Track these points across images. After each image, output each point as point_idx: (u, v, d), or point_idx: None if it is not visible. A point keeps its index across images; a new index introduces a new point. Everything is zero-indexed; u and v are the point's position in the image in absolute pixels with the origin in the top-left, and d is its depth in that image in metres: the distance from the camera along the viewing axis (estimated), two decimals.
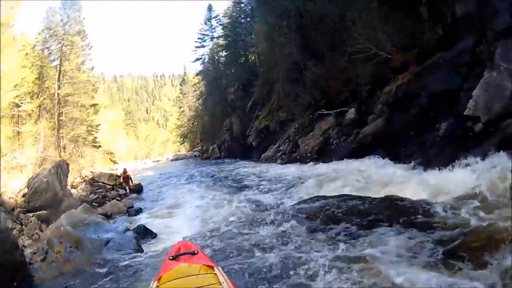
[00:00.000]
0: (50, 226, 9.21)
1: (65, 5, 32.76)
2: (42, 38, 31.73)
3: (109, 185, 20.62)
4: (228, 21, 44.34)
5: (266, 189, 14.19)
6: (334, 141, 17.84)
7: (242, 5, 43.00)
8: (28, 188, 12.95)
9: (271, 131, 28.89)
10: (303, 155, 19.80)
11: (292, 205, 8.88)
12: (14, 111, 23.74)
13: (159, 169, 37.61)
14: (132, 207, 15.03)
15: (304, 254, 5.36)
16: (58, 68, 31.17)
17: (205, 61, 48.95)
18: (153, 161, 59.54)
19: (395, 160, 11.81)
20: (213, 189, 16.60)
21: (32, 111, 26.56)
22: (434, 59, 12.63)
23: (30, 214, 11.80)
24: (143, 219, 12.30)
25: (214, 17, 46.82)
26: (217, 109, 43.77)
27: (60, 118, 30.79)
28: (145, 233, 9.74)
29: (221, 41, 45.69)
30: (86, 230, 8.10)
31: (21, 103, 24.22)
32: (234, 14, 43.47)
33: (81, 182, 20.54)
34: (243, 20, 42.87)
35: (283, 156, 22.84)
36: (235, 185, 17.24)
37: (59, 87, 30.61)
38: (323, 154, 18.04)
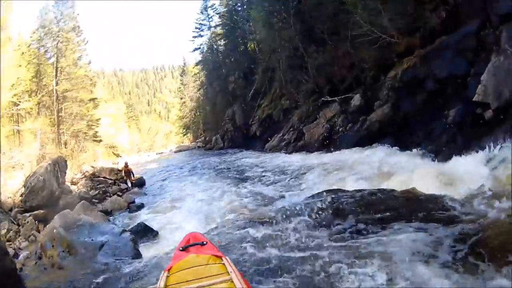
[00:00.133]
0: (46, 227, 8.75)
1: (58, 3, 32.82)
2: (37, 37, 31.92)
3: (111, 179, 20.52)
4: (225, 9, 43.71)
5: (271, 181, 13.96)
6: (340, 129, 17.51)
7: None
8: (25, 187, 12.66)
9: (274, 119, 28.41)
10: (308, 143, 19.55)
11: (301, 200, 8.44)
12: (12, 110, 23.67)
13: (162, 161, 37.45)
14: (133, 202, 14.89)
15: (311, 250, 5.17)
16: (55, 65, 31.26)
17: (204, 50, 48.55)
18: (156, 153, 59.22)
19: (404, 148, 11.51)
20: (216, 181, 16.38)
21: (31, 109, 26.50)
22: (438, 42, 12.18)
23: (27, 214, 11.57)
24: (144, 215, 12.21)
25: (210, 6, 46.05)
26: (218, 99, 43.33)
27: (60, 114, 30.79)
28: (145, 232, 9.46)
29: (219, 30, 45.20)
30: (80, 232, 7.58)
31: (19, 101, 24.14)
32: (230, 2, 42.74)
33: (82, 178, 20.39)
34: (239, 8, 42.10)
35: (287, 145, 22.57)
36: (239, 176, 17.05)
37: (57, 84, 30.59)
38: (329, 142, 17.69)
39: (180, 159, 35.91)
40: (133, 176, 19.65)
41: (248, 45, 40.47)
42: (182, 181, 19.09)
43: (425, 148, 10.42)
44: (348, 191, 7.71)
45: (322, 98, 20.18)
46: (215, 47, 45.61)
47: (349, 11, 16.21)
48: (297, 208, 7.30)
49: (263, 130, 30.25)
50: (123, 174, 19.88)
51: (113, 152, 42.46)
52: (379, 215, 5.90)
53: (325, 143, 17.99)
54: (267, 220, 7.00)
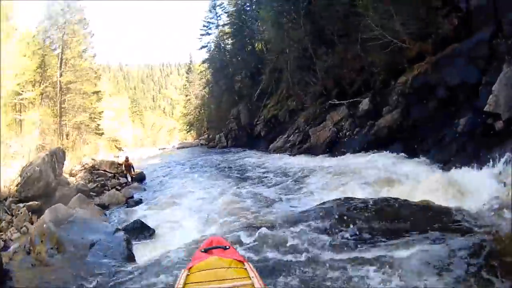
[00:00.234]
0: (38, 219, 8.40)
1: None
2: (43, 28, 31.49)
3: (110, 173, 20.35)
4: (234, 8, 43.44)
5: (274, 183, 13.80)
6: (347, 133, 17.35)
7: None
8: (21, 177, 12.38)
9: (280, 120, 28.14)
10: (314, 146, 19.37)
11: (308, 206, 8.34)
12: (15, 99, 23.65)
13: (164, 157, 37.45)
14: (132, 197, 14.67)
15: (316, 256, 5.09)
16: (59, 56, 30.99)
17: (211, 49, 48.20)
18: (159, 149, 58.76)
19: (412, 155, 11.33)
20: (218, 180, 16.24)
21: (34, 99, 26.45)
22: (450, 49, 12.01)
23: (21, 205, 11.26)
24: (142, 211, 11.96)
25: (219, 5, 45.75)
26: (224, 98, 43.24)
27: (63, 105, 30.61)
28: (141, 230, 9.12)
29: (227, 29, 44.88)
30: (70, 228, 7.08)
31: (22, 91, 24.02)
32: (239, 1, 42.46)
33: (81, 170, 20.18)
34: (248, 8, 41.83)
35: (292, 147, 22.37)
36: (241, 176, 16.93)
37: (61, 75, 30.34)
38: (335, 146, 17.61)
39: (182, 156, 35.78)
40: (134, 170, 19.44)
41: (256, 45, 40.25)
42: (183, 178, 18.94)
43: (434, 156, 10.26)
44: (358, 198, 7.48)
45: (330, 101, 19.94)
46: (223, 45, 45.38)
47: (360, 14, 16.03)
48: (303, 214, 7.17)
49: (268, 130, 30.01)
50: (123, 168, 19.69)
51: (115, 146, 42.38)
52: (390, 225, 5.77)
53: (331, 146, 17.88)
54: (268, 224, 6.82)
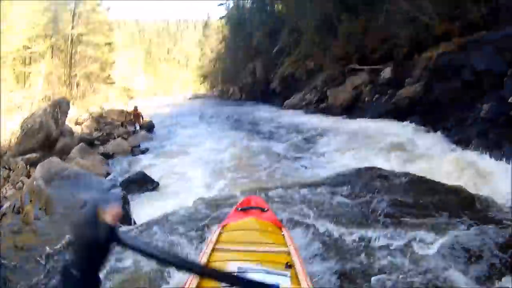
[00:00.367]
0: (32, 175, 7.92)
1: None
2: None
3: (118, 122, 20.32)
4: None
5: (286, 139, 13.83)
6: (366, 98, 17.01)
7: None
8: (21, 129, 12.02)
9: (296, 78, 27.56)
10: (331, 107, 19.29)
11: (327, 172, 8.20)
12: (24, 53, 23.48)
13: (176, 106, 37.66)
14: (138, 146, 14.47)
15: (334, 229, 4.77)
16: (73, 11, 30.67)
17: (230, 7, 47.70)
18: (172, 99, 58.83)
19: (432, 130, 10.99)
20: (229, 132, 16.53)
21: (44, 52, 26.30)
22: (478, 35, 11.81)
23: (19, 158, 10.88)
24: (147, 161, 11.74)
25: None
26: (240, 53, 42.84)
27: (73, 57, 30.38)
28: (144, 182, 8.71)
29: None
30: (62, 185, 6.32)
31: (32, 45, 23.85)
32: None
33: (87, 119, 19.93)
34: None
35: (308, 105, 22.39)
36: (253, 129, 17.02)
37: (72, 28, 30.05)
38: (353, 109, 17.45)
39: (194, 106, 36.28)
40: (142, 119, 19.49)
41: (276, 6, 38.85)
42: (192, 128, 19.13)
43: (454, 135, 9.95)
44: (385, 170, 7.24)
45: (350, 65, 19.66)
46: (242, 4, 44.69)
47: None
48: (325, 179, 7.01)
49: (283, 87, 29.73)
50: (132, 117, 19.76)
51: (127, 95, 42.32)
52: (418, 204, 5.50)
53: (348, 109, 17.74)
54: (278, 185, 6.77)
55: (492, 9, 12.13)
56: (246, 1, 44.28)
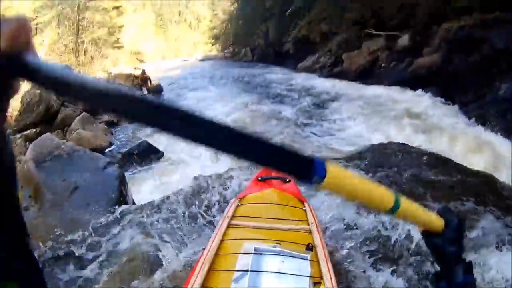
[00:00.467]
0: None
1: None
2: None
3: (126, 86, 19.73)
4: None
5: (298, 103, 13.76)
6: (383, 65, 16.81)
7: None
8: (21, 103, 11.81)
9: (310, 41, 27.09)
10: (345, 71, 19.03)
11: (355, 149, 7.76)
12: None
13: (186, 68, 36.70)
14: None
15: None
16: None
17: None
18: (182, 61, 58.06)
19: (450, 103, 11.00)
20: (239, 95, 16.37)
21: (50, 21, 25.78)
22: (500, 14, 11.49)
23: (18, 135, 10.69)
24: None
25: None
26: (252, 14, 41.77)
27: (81, 23, 29.96)
28: (148, 152, 8.74)
29: None
30: (53, 167, 5.65)
31: (37, 16, 23.61)
32: None
33: None
34: None
35: (322, 68, 22.07)
36: (264, 92, 16.91)
37: None
38: (368, 75, 17.17)
39: (204, 68, 35.43)
40: (150, 83, 19.51)
41: None
42: (202, 91, 19.06)
43: (472, 111, 9.87)
44: (411, 146, 6.94)
45: (366, 30, 19.28)
46: None
47: None
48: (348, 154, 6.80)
49: (297, 49, 29.20)
50: (139, 81, 19.74)
51: (136, 58, 42.09)
52: (446, 187, 5.23)
53: (364, 74, 17.44)
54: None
55: None
56: None
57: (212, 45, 68.30)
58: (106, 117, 13.14)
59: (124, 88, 0.54)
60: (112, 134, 11.60)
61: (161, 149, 9.01)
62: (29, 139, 10.22)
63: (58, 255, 4.03)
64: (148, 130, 11.17)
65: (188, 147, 8.98)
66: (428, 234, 0.94)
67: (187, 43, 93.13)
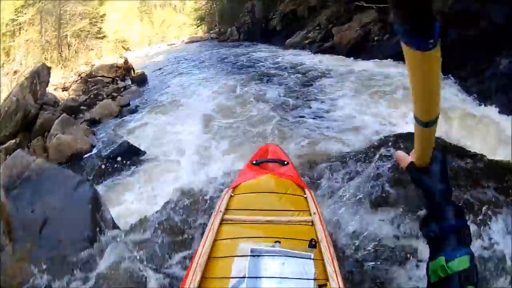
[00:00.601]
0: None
1: None
2: None
3: (109, 78, 19.82)
4: None
5: (287, 82, 13.44)
6: (376, 38, 16.48)
7: None
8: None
9: (298, 16, 26.84)
10: (336, 46, 18.59)
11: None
12: (12, 26, 23.28)
13: (171, 53, 36.66)
14: (128, 105, 14.20)
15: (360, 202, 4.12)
16: None
17: None
18: (168, 45, 58.05)
19: (447, 78, 10.54)
20: (226, 78, 16.08)
21: (32, 19, 25.97)
22: None
23: None
24: (135, 123, 11.46)
25: None
26: None
27: (63, 17, 29.90)
28: (129, 154, 8.36)
29: None
30: (22, 195, 4.80)
31: (17, 16, 23.33)
32: None
33: (76, 81, 19.35)
34: None
35: (311, 44, 21.58)
36: (251, 73, 16.50)
37: None
38: (361, 49, 16.81)
39: (190, 51, 35.31)
40: (134, 72, 19.39)
41: None
42: (187, 76, 18.97)
43: (471, 87, 9.65)
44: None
45: (357, 2, 18.61)
46: None
47: None
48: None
49: (284, 25, 28.81)
50: (122, 70, 19.62)
51: (122, 46, 41.84)
52: (467, 180, 4.71)
53: (356, 49, 17.03)
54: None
55: None
56: None
57: (198, 26, 68.80)
58: (87, 116, 12.85)
59: None
60: (94, 134, 11.37)
61: (142, 147, 8.74)
62: (11, 151, 9.77)
63: None
64: (131, 124, 10.95)
65: (172, 142, 8.74)
66: (415, 169, 1.02)
67: (173, 26, 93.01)
